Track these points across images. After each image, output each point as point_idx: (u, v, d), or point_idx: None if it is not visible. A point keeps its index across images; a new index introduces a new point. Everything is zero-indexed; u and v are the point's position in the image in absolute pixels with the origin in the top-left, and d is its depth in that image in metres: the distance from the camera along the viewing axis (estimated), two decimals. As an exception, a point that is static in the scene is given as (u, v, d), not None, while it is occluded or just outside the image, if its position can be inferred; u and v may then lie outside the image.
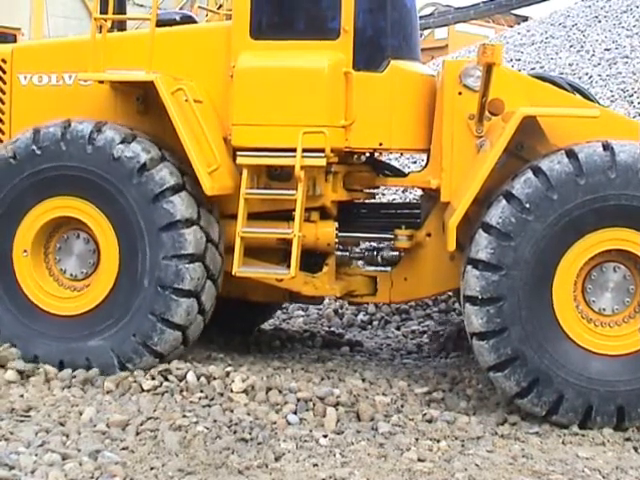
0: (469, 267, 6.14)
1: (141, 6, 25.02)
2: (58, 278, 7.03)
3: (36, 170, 6.85)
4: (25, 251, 6.93)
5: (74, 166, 6.79)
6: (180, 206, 6.69)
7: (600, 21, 17.03)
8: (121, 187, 6.71)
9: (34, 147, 6.85)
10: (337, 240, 7.19)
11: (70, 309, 6.88)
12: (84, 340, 6.76)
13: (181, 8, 25.53)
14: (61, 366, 6.76)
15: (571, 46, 16.42)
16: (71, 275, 7.02)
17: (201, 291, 6.81)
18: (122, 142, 6.75)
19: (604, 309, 6.19)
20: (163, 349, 6.70)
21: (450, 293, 8.70)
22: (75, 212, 6.87)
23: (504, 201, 6.10)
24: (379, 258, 7.44)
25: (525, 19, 25.97)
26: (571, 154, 6.08)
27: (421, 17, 21.05)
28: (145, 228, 6.68)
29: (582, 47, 16.11)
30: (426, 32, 25.51)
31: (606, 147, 6.05)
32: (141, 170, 6.69)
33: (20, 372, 6.60)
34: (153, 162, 6.74)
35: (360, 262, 7.57)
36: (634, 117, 12.04)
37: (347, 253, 7.40)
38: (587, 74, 14.53)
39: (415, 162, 12.38)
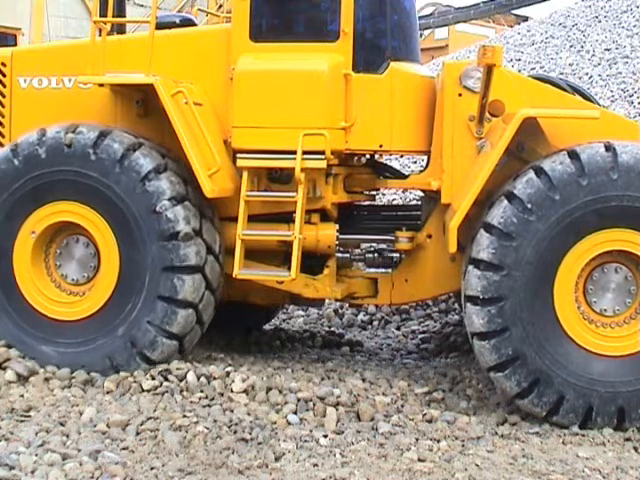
0: (470, 267, 6.14)
1: (141, 6, 25.03)
2: (58, 283, 7.02)
3: (38, 174, 6.83)
4: (33, 232, 6.89)
5: (77, 171, 6.76)
6: (182, 217, 6.67)
7: (600, 21, 17.04)
8: (123, 195, 6.68)
9: (38, 150, 6.83)
10: (338, 242, 7.19)
11: (69, 314, 6.87)
12: (81, 346, 6.76)
13: (180, 10, 25.53)
14: (58, 371, 6.77)
15: (571, 46, 16.43)
16: (71, 280, 7.00)
17: (200, 302, 6.79)
18: (127, 150, 6.73)
19: (605, 310, 6.18)
20: (158, 358, 6.69)
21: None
22: (76, 218, 6.85)
23: (506, 201, 6.10)
24: (380, 260, 7.45)
25: (525, 19, 26.00)
26: (573, 155, 6.08)
27: (421, 17, 21.07)
28: (146, 237, 6.65)
29: (582, 47, 16.12)
30: (426, 32, 25.56)
31: (608, 148, 6.05)
32: (144, 179, 6.67)
33: (19, 374, 6.60)
34: (157, 172, 6.71)
35: (361, 264, 7.58)
36: (634, 117, 12.05)
37: (348, 255, 7.40)
38: (587, 74, 14.53)
39: (415, 162, 12.40)
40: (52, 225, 6.91)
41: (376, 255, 7.49)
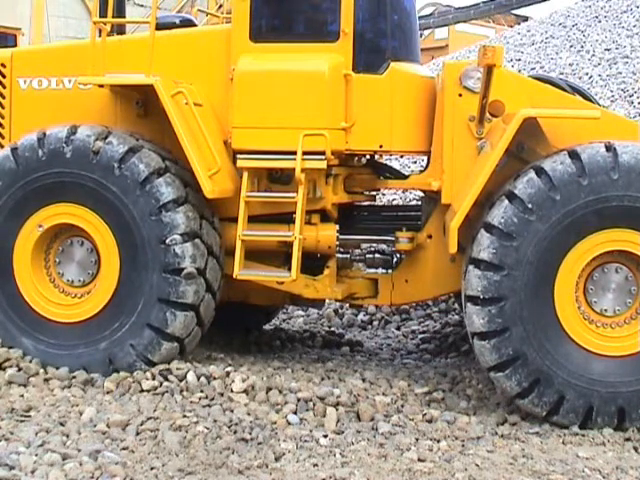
0: (471, 267, 6.13)
1: (141, 6, 25.04)
2: (58, 285, 7.02)
3: (39, 175, 6.82)
4: (40, 226, 6.88)
5: (77, 173, 6.75)
6: (182, 220, 6.66)
7: (600, 21, 17.04)
8: (123, 198, 6.67)
9: (38, 152, 6.82)
10: (338, 242, 7.19)
11: (70, 316, 6.87)
12: (82, 348, 6.76)
13: (180, 10, 25.55)
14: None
15: (571, 46, 16.43)
16: (71, 282, 7.00)
17: (200, 304, 6.79)
18: (127, 152, 6.71)
19: (606, 310, 6.17)
20: (158, 359, 6.69)
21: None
22: (77, 220, 6.84)
23: (506, 201, 6.09)
24: (380, 260, 7.45)
25: (525, 19, 26.00)
26: (574, 155, 6.07)
27: (421, 17, 21.07)
28: (146, 240, 6.64)
29: (582, 47, 16.12)
30: (426, 32, 25.56)
31: (609, 148, 6.04)
32: (144, 182, 6.65)
33: (19, 372, 6.62)
34: (156, 174, 6.69)
35: (361, 264, 7.58)
36: (634, 117, 12.04)
37: (348, 255, 7.40)
38: (587, 74, 14.53)
39: (415, 162, 12.40)
40: (53, 227, 6.92)
41: (376, 255, 7.49)
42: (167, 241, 6.61)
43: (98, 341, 6.72)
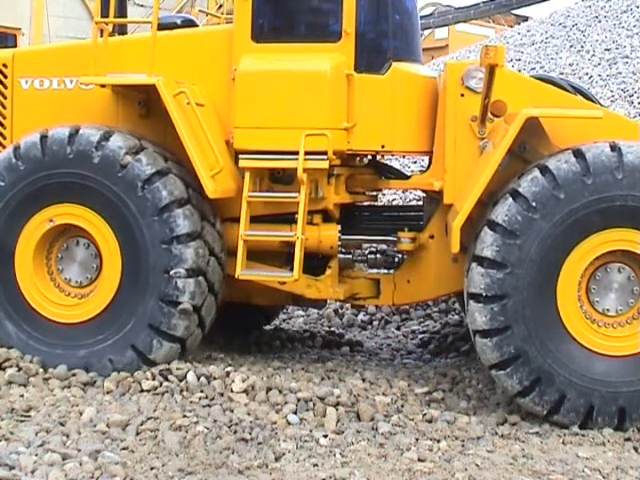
0: (474, 264, 6.13)
1: (141, 6, 25.04)
2: (60, 285, 7.01)
3: (40, 176, 6.82)
4: (51, 220, 6.88)
5: (79, 173, 6.75)
6: (184, 220, 6.65)
7: (600, 21, 17.03)
8: (126, 198, 6.67)
9: (40, 152, 6.81)
10: (340, 243, 7.19)
11: (71, 317, 6.87)
12: (102, 342, 6.75)
13: (180, 10, 25.54)
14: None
15: (571, 46, 16.42)
16: (73, 283, 7.00)
17: (202, 305, 6.79)
18: (128, 153, 6.71)
19: (608, 310, 6.17)
20: (180, 333, 6.70)
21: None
22: (79, 220, 6.84)
23: (510, 199, 6.09)
24: (382, 261, 7.45)
25: (525, 19, 25.98)
26: (578, 154, 6.08)
27: (421, 17, 20.99)
28: (148, 241, 6.64)
29: (582, 47, 16.11)
30: (426, 32, 25.52)
31: (613, 148, 6.04)
32: (163, 210, 6.63)
33: (19, 372, 6.62)
34: (159, 175, 6.68)
35: (363, 265, 7.57)
36: (634, 117, 12.04)
37: (350, 256, 7.40)
38: (587, 74, 14.53)
39: (415, 162, 12.40)
40: (54, 227, 6.91)
41: (378, 256, 7.49)
42: (171, 272, 6.62)
43: (121, 328, 6.69)
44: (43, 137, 6.83)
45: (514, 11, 26.43)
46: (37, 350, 6.82)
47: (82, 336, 6.78)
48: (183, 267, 6.62)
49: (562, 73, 14.56)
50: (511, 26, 24.26)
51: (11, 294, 6.90)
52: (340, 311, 9.72)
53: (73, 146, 6.73)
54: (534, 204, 6.02)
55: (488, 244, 6.07)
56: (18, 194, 6.85)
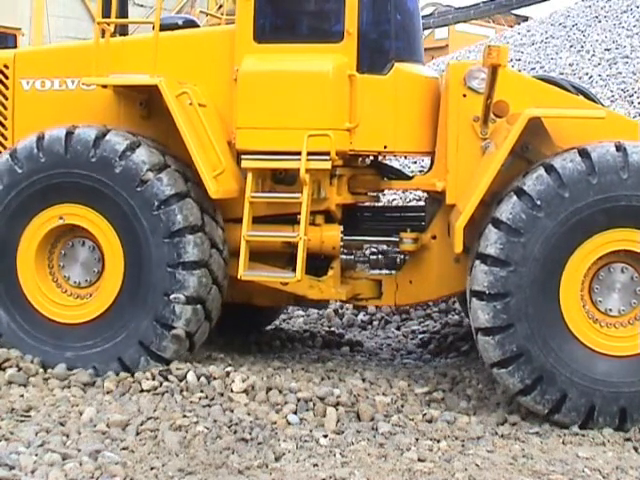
0: (477, 262, 6.12)
1: (141, 6, 25.02)
2: (58, 281, 7.01)
3: (40, 177, 6.81)
4: (61, 218, 6.86)
5: (78, 173, 6.74)
6: (193, 248, 6.64)
7: (600, 21, 17.03)
8: (140, 214, 6.65)
9: (38, 153, 6.80)
10: (342, 243, 7.19)
11: (65, 317, 6.87)
12: (90, 348, 6.75)
13: (180, 10, 25.53)
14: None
15: (571, 46, 16.42)
16: (72, 282, 6.99)
17: (207, 297, 6.79)
18: (126, 149, 6.70)
19: (610, 310, 6.17)
20: (169, 355, 6.71)
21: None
22: (79, 220, 6.84)
23: (515, 197, 6.09)
24: (384, 261, 7.44)
25: (525, 19, 25.97)
26: (584, 153, 6.08)
27: (421, 17, 21.01)
28: (150, 236, 6.63)
29: (582, 47, 16.11)
30: (426, 32, 25.48)
31: (619, 148, 6.05)
32: (175, 233, 6.62)
33: (19, 372, 6.62)
34: (177, 197, 6.67)
35: (365, 265, 7.56)
36: (634, 117, 12.04)
37: (352, 256, 7.40)
38: (587, 74, 14.53)
39: (415, 162, 12.41)
40: (56, 228, 6.92)
41: (380, 256, 7.48)
42: (171, 297, 6.62)
43: (127, 324, 6.68)
44: (69, 134, 6.80)
45: (514, 11, 26.42)
46: (25, 343, 6.81)
47: (72, 338, 6.78)
48: (184, 293, 6.62)
49: (562, 73, 14.56)
50: (511, 26, 24.25)
51: (9, 285, 6.90)
52: (340, 311, 9.73)
53: (97, 150, 6.72)
54: (539, 202, 6.02)
55: (492, 242, 6.07)
56: (36, 183, 6.81)
